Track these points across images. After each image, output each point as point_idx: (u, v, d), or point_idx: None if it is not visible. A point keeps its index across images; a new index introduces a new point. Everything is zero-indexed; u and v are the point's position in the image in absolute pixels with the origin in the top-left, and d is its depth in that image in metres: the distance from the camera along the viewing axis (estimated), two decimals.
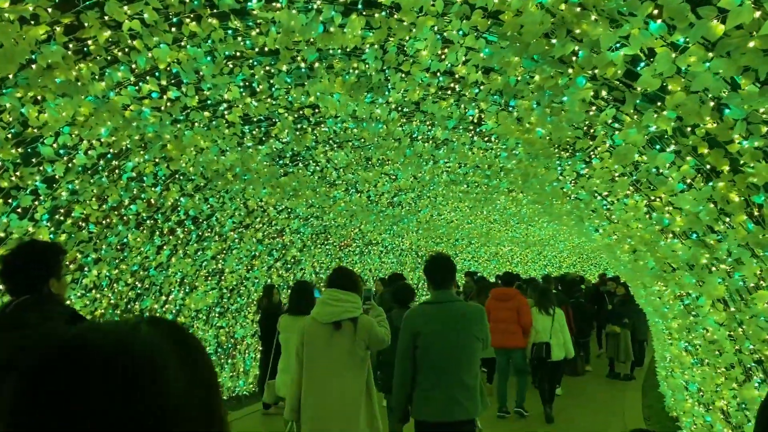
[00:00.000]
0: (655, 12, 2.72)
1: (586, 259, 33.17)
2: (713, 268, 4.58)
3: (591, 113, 4.15)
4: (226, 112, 5.89)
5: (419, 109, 6.01)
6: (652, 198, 4.72)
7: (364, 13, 3.97)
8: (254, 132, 6.72)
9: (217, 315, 10.02)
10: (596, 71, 3.50)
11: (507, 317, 9.04)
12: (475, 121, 5.98)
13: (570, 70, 3.69)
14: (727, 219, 3.82)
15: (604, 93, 3.70)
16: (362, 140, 7.64)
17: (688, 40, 2.73)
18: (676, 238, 4.87)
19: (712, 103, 2.99)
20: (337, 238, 12.36)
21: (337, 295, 4.37)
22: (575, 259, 31.80)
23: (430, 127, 6.73)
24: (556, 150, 5.51)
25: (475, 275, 14.94)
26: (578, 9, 3.06)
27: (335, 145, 7.79)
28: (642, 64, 3.11)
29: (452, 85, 5.02)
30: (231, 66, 5.06)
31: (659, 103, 3.49)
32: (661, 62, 2.82)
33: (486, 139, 6.67)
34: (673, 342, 7.55)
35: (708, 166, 3.58)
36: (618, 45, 3.08)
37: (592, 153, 4.96)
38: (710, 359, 5.64)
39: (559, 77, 3.85)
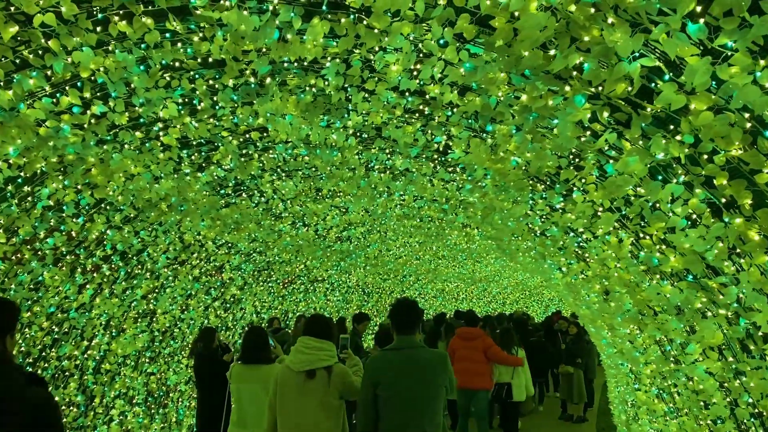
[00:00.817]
0: (691, 11, 2.23)
1: (529, 296, 33.23)
2: (708, 314, 4.15)
3: (583, 139, 3.67)
4: (161, 133, 5.17)
5: (380, 135, 5.45)
6: (641, 236, 4.27)
7: (329, 17, 3.38)
8: (193, 157, 6.00)
9: (147, 360, 9.05)
10: (600, 88, 3.01)
11: (472, 357, 8.68)
12: (441, 149, 5.46)
13: (567, 88, 3.20)
14: (741, 260, 3.37)
15: (605, 114, 3.20)
16: (314, 169, 7.01)
17: (732, 45, 2.25)
18: (665, 279, 4.43)
19: (748, 124, 2.52)
20: (281, 274, 11.58)
21: (311, 343, 4.31)
22: (518, 295, 31.77)
23: (389, 156, 6.18)
24: (531, 182, 5.03)
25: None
26: (592, 10, 2.56)
27: (283, 174, 7.13)
28: (666, 77, 2.63)
29: (421, 107, 4.49)
30: (168, 78, 4.37)
31: (671, 126, 3.03)
32: (698, 73, 2.33)
33: (450, 169, 6.16)
34: (641, 387, 7.15)
35: (723, 200, 3.12)
36: (636, 54, 2.59)
37: (573, 185, 4.49)
38: (694, 410, 5.23)
39: (550, 97, 3.36)
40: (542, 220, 5.91)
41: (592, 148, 3.59)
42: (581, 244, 5.73)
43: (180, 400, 9.79)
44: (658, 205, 3.76)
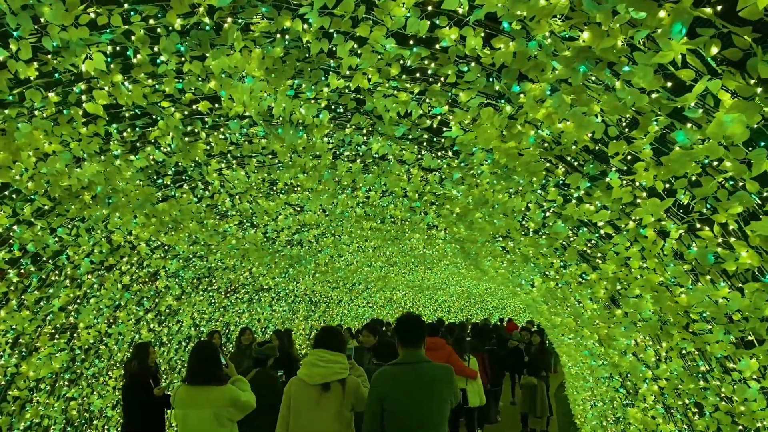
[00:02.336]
0: None
1: (473, 303, 32.82)
2: None
3: (655, 96, 2.79)
4: (83, 97, 4.01)
5: (360, 109, 4.47)
6: (698, 226, 3.45)
7: None
8: (125, 134, 4.84)
9: (66, 383, 7.70)
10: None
11: None
12: (434, 126, 4.51)
13: (662, 14, 2.32)
14: None
15: (713, 50, 2.33)
16: (271, 156, 5.95)
17: None
18: (724, 281, 3.62)
19: None
20: (223, 282, 10.36)
21: (326, 356, 4.36)
22: (464, 302, 31.28)
23: (366, 137, 5.19)
24: (551, 163, 4.15)
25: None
26: None
27: (234, 162, 6.03)
28: None
29: (426, 63, 3.52)
30: (94, 14, 3.25)
31: None
32: None
33: (440, 153, 5.23)
34: (638, 405, 6.41)
35: None
36: None
37: (609, 166, 3.62)
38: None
39: (625, 33, 2.47)
40: (547, 213, 5.05)
41: (672, 104, 2.71)
42: (592, 241, 4.91)
43: (106, 428, 8.44)
44: (741, 183, 2.94)
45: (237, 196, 7.07)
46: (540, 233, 5.94)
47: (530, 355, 13.26)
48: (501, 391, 14.81)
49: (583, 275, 5.88)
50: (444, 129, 4.46)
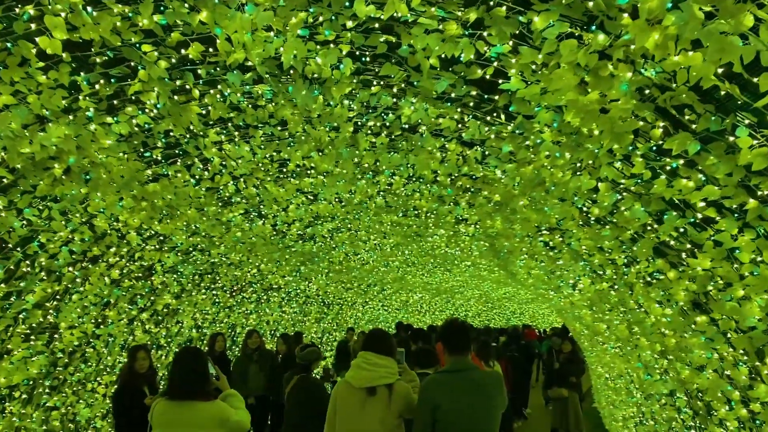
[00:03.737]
0: None
1: (491, 308, 31.70)
2: None
3: None
4: (32, 26, 3.07)
5: (392, 54, 3.49)
6: None
7: None
8: (97, 86, 3.89)
9: (47, 391, 6.79)
10: None
11: None
12: (487, 78, 3.53)
13: None
14: None
15: None
16: (280, 127, 4.99)
17: None
18: None
19: None
20: (228, 280, 9.42)
21: (372, 359, 4.23)
22: (481, 307, 30.18)
23: (396, 98, 4.21)
24: (644, 122, 3.14)
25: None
26: None
27: (237, 133, 5.08)
28: None
29: None
30: None
31: None
32: None
33: (488, 119, 4.23)
34: (711, 429, 5.40)
35: None
36: None
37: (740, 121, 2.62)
38: None
39: None
40: (622, 194, 4.04)
41: None
42: (681, 229, 3.89)
43: None
44: None
45: (242, 179, 6.12)
46: (603, 222, 4.93)
47: (560, 362, 12.19)
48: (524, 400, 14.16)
49: (656, 274, 4.87)
50: (500, 82, 3.47)
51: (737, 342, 4.08)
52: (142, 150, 4.85)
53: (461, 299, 25.96)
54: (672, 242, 4.12)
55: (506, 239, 7.75)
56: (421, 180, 6.43)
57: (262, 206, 7.21)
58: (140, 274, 7.16)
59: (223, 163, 5.52)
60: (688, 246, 3.97)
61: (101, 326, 6.99)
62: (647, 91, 2.88)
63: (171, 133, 4.69)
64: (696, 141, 2.90)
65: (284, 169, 6.16)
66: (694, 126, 2.85)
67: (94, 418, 7.53)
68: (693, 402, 5.84)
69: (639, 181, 3.76)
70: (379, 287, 16.85)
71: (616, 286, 6.05)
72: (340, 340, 14.78)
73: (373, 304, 18.01)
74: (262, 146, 5.28)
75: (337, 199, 7.72)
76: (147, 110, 4.19)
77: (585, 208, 4.81)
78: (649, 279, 5.00)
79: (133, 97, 3.94)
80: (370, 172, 6.45)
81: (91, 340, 7.02)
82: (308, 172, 6.37)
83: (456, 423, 3.90)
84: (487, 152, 4.76)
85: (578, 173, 4.14)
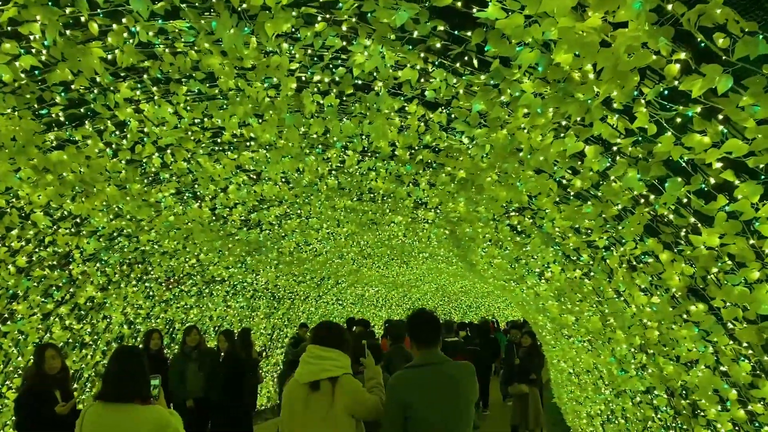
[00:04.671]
0: None
1: (447, 301, 31.26)
2: None
3: None
4: None
5: None
6: None
7: None
8: None
9: None
10: None
11: None
12: (459, 11, 2.81)
13: None
14: None
15: None
16: (209, 82, 4.18)
17: None
18: None
19: None
20: (163, 271, 8.52)
21: (317, 352, 3.93)
22: (438, 300, 29.70)
23: (347, 42, 3.46)
24: (657, 55, 2.47)
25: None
26: None
27: (155, 90, 4.25)
28: None
29: None
30: None
31: None
32: None
33: (462, 61, 3.50)
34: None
35: None
36: None
37: None
38: None
39: None
40: (614, 159, 3.38)
41: None
42: (685, 200, 3.26)
43: None
44: None
45: (168, 151, 5.27)
46: (584, 198, 4.30)
47: (519, 358, 11.66)
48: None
49: (644, 257, 4.27)
50: (474, 11, 2.76)
51: (743, 334, 3.49)
52: (36, 107, 3.97)
53: (418, 293, 25.41)
54: (671, 217, 3.50)
55: (469, 224, 7.10)
56: (377, 154, 5.71)
57: (196, 186, 6.37)
58: (54, 263, 6.23)
59: (144, 129, 4.68)
60: (692, 220, 3.35)
61: (8, 322, 6.05)
62: (669, 6, 2.21)
63: (72, 87, 3.83)
64: (729, 74, 2.25)
65: (219, 140, 5.34)
66: (733, 53, 2.19)
67: (3, 427, 6.58)
68: (676, 401, 5.30)
69: (640, 138, 3.11)
70: (334, 280, 16.08)
71: (591, 273, 5.45)
72: (291, 336, 13.98)
73: (327, 298, 17.22)
74: (188, 108, 4.46)
75: (283, 179, 6.94)
76: (34, 51, 3.34)
77: (565, 181, 4.16)
78: (634, 263, 4.39)
79: (10, 29, 3.09)
80: (320, 146, 5.70)
81: None
82: (248, 144, 5.57)
83: (429, 420, 3.68)
84: (453, 115, 4.05)
85: (562, 135, 3.47)
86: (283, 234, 9.70)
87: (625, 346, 5.83)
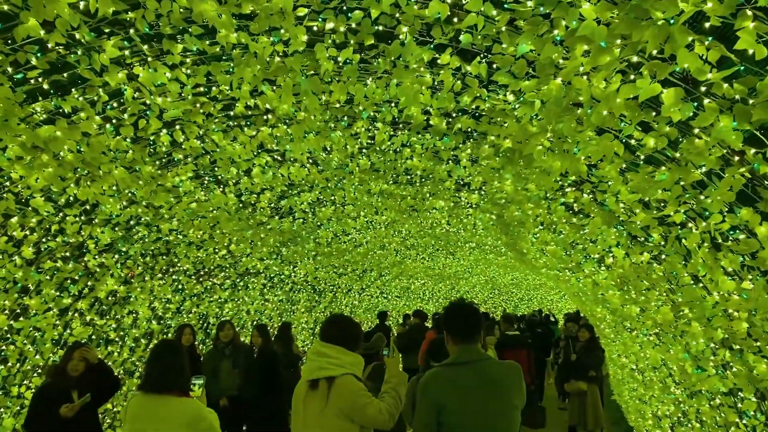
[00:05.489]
0: None
1: (498, 294, 30.32)
2: None
3: None
4: None
5: None
6: None
7: None
8: None
9: None
10: None
11: None
12: None
13: None
14: None
15: None
16: (208, 38, 3.61)
17: None
18: None
19: None
20: (192, 263, 8.07)
21: (319, 349, 3.66)
22: (488, 294, 28.81)
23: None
24: None
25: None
26: None
27: (145, 47, 3.69)
28: None
29: None
30: None
31: None
32: None
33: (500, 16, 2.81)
34: None
35: None
36: None
37: None
38: None
39: None
40: (700, 105, 2.64)
41: None
42: None
43: None
44: None
45: (177, 127, 4.74)
46: (657, 162, 3.54)
47: (576, 353, 10.80)
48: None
49: (733, 232, 3.49)
50: None
51: None
52: (10, 71, 3.47)
53: (466, 285, 24.61)
54: None
55: (518, 206, 6.36)
56: (409, 127, 5.04)
57: (216, 168, 5.84)
58: (67, 254, 5.81)
59: (144, 100, 4.14)
60: None
61: (20, 318, 5.65)
62: None
63: (48, 45, 3.31)
64: None
65: (231, 113, 4.77)
66: None
67: (16, 426, 6.22)
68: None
69: (742, 68, 2.36)
70: (377, 272, 15.49)
71: (663, 256, 4.67)
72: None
73: (371, 290, 16.64)
74: (189, 73, 3.90)
75: (311, 161, 6.35)
76: None
77: (634, 141, 3.42)
78: (720, 240, 3.61)
79: None
80: (345, 118, 5.07)
81: (7, 335, 5.68)
82: (265, 118, 4.99)
83: (466, 426, 3.24)
84: (495, 65, 3.36)
85: (632, 78, 2.74)
86: (318, 223, 9.14)
87: (702, 341, 5.02)
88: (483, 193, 7.01)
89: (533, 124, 3.97)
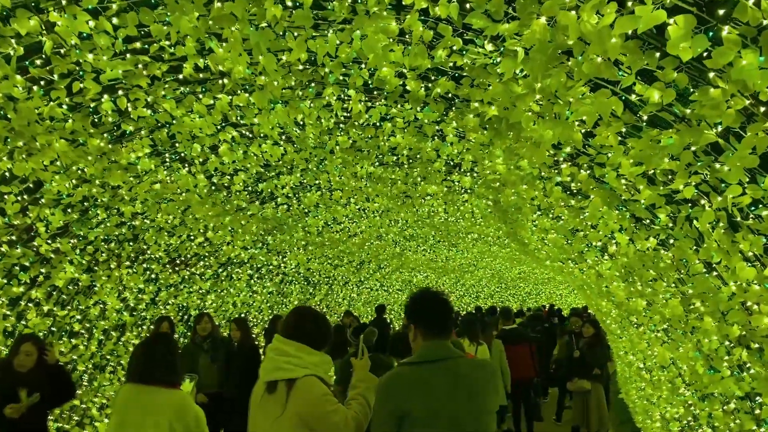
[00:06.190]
0: None
1: (504, 288, 29.66)
2: None
3: None
4: None
5: None
6: None
7: None
8: None
9: None
10: None
11: None
12: None
13: None
14: None
15: None
16: None
17: None
18: None
19: None
20: (165, 251, 7.54)
21: (278, 346, 3.24)
22: (494, 287, 28.16)
23: None
24: None
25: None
26: None
27: None
28: None
29: None
30: None
31: None
32: None
33: None
34: None
35: None
36: None
37: None
38: None
39: None
40: (715, 38, 2.06)
41: None
42: None
43: None
44: None
45: (120, 92, 4.18)
46: (662, 125, 2.96)
47: (580, 349, 10.20)
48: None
49: (756, 207, 2.90)
50: None
51: None
52: None
53: (471, 279, 24.00)
54: None
55: (512, 188, 5.77)
56: (386, 95, 4.46)
57: (177, 145, 5.29)
58: (13, 237, 5.29)
59: (66, 54, 3.60)
60: None
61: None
62: None
63: None
64: None
65: (181, 76, 4.21)
66: None
67: None
68: None
69: None
70: (375, 264, 14.93)
71: (671, 240, 4.07)
72: (334, 324, 12.91)
73: (370, 283, 16.09)
74: (115, 22, 3.34)
75: (284, 137, 5.79)
76: None
77: (635, 97, 2.82)
78: (738, 218, 3.02)
79: None
80: (312, 84, 4.50)
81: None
82: (221, 83, 4.43)
83: None
84: (468, 4, 2.78)
85: (629, 3, 2.16)
86: (305, 210, 8.59)
87: (716, 338, 4.42)
88: (476, 175, 6.43)
89: (519, 83, 3.38)
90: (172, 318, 8.31)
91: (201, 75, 4.24)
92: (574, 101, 3.06)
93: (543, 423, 11.34)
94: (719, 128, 2.59)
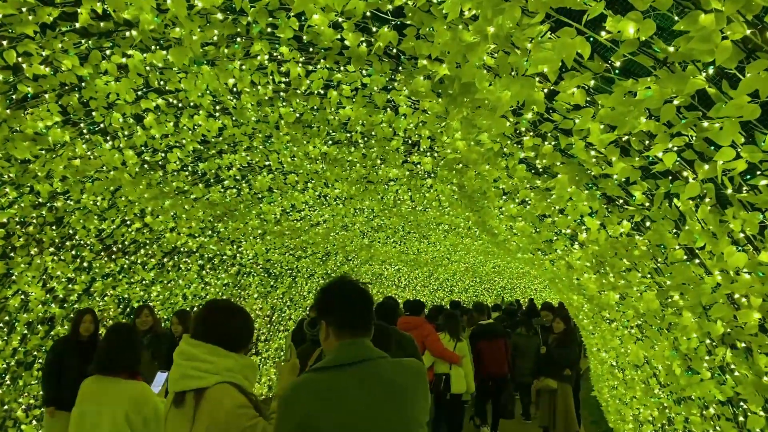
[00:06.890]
0: None
1: (479, 282, 29.22)
2: None
3: None
4: None
5: None
6: None
7: None
8: None
9: None
10: None
11: None
12: None
13: None
14: None
15: None
16: None
17: None
18: None
19: None
20: (100, 237, 6.85)
21: (185, 348, 2.73)
22: (469, 281, 27.70)
23: None
24: None
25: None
26: None
27: None
28: None
29: None
30: None
31: None
32: None
33: None
34: None
35: None
36: None
37: None
38: None
39: None
40: None
41: None
42: None
43: None
44: None
45: (5, 43, 3.52)
46: (638, 73, 2.40)
47: (546, 346, 9.72)
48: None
49: (752, 176, 2.36)
50: None
51: None
52: None
53: (445, 273, 23.50)
54: None
55: (474, 168, 5.20)
56: (324, 55, 3.85)
57: (93, 113, 4.63)
58: None
59: None
60: None
61: None
62: None
63: None
64: None
65: (78, 25, 3.55)
66: None
67: None
68: None
69: None
70: (342, 256, 14.32)
71: (648, 224, 3.53)
72: (301, 318, 12.30)
73: (337, 276, 15.47)
74: None
75: (219, 107, 5.15)
76: None
77: (604, 35, 2.26)
78: (729, 191, 2.47)
79: None
80: (237, 39, 3.88)
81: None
82: (130, 34, 3.78)
83: None
84: None
85: None
86: (258, 195, 7.95)
87: (695, 336, 3.90)
88: (436, 155, 5.85)
89: (468, 29, 2.80)
90: (107, 311, 7.63)
91: (102, 24, 3.59)
92: (532, 46, 2.49)
93: (513, 421, 10.87)
94: (710, 70, 2.03)
